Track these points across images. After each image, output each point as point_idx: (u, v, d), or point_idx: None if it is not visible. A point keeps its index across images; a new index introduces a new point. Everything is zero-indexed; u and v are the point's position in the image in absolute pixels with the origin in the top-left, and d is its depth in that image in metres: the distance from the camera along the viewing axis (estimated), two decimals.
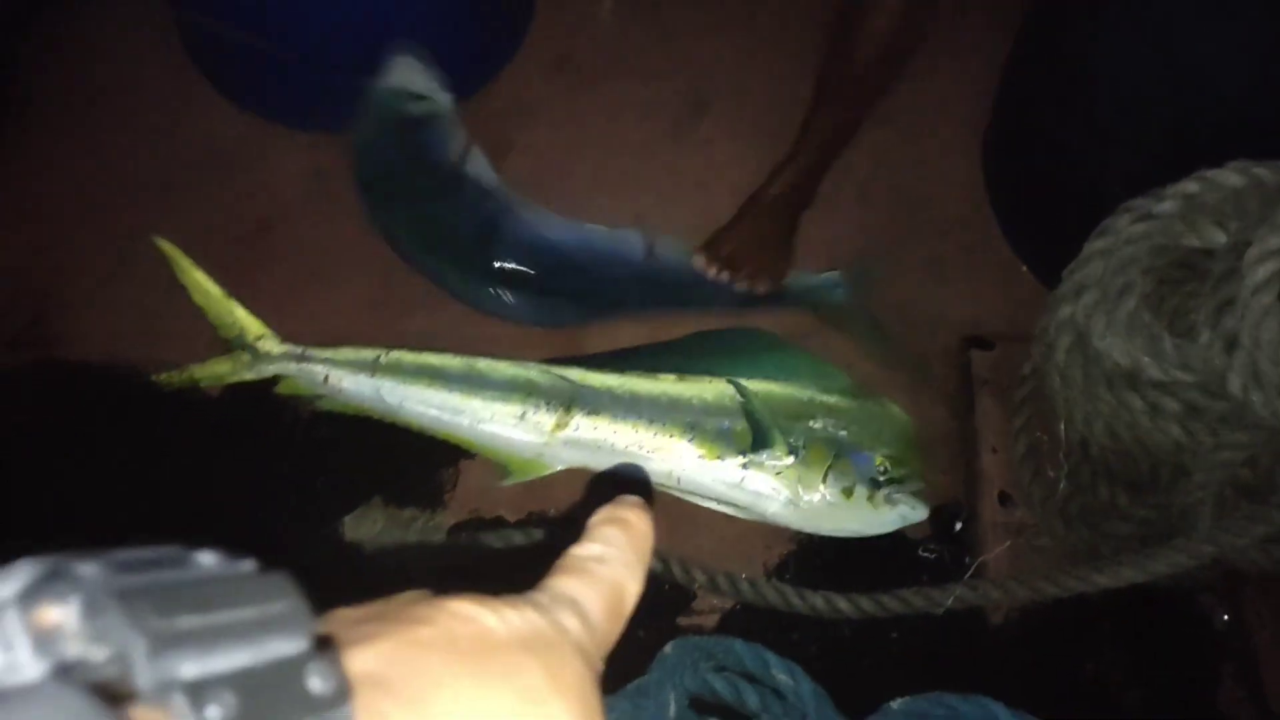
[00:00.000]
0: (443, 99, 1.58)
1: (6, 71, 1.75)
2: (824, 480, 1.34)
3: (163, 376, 1.43)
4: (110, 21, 1.81)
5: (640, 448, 1.38)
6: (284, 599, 0.31)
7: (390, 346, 1.43)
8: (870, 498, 1.34)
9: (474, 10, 1.68)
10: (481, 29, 1.72)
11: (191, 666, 0.28)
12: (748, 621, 1.33)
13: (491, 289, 1.55)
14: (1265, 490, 1.13)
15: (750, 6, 1.85)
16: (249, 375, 1.43)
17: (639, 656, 1.31)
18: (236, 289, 1.47)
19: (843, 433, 1.37)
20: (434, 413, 1.40)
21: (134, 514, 1.35)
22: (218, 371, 1.44)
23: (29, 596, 0.27)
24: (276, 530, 1.35)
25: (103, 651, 0.27)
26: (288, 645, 0.30)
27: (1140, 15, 1.26)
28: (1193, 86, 1.25)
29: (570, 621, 0.39)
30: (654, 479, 1.39)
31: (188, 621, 0.29)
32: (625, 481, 1.37)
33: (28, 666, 0.26)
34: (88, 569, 0.28)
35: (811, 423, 1.37)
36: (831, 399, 1.40)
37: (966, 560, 1.37)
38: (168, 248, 1.44)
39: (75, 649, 0.27)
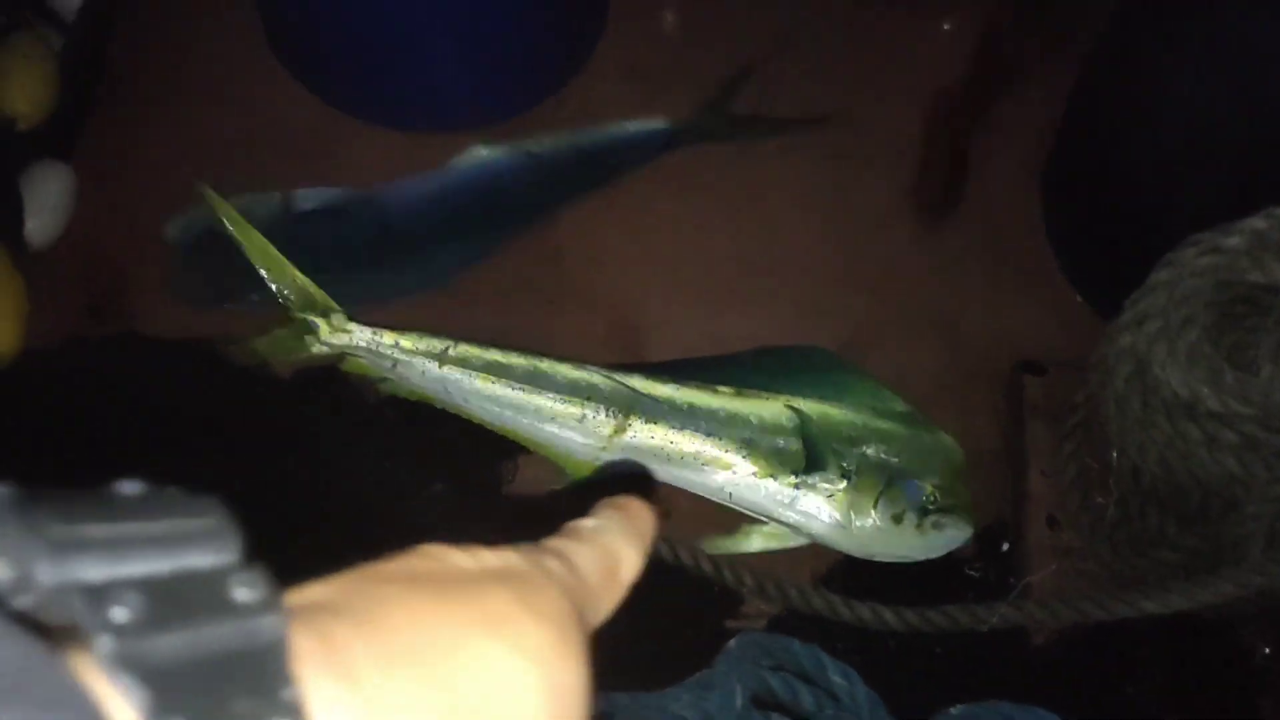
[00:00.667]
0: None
1: (102, 49, 1.81)
2: (875, 506, 1.36)
3: (231, 348, 1.46)
4: (198, 3, 1.87)
5: (695, 459, 1.41)
6: (208, 516, 0.29)
7: (458, 338, 1.45)
8: (919, 525, 1.36)
9: (549, 19, 1.72)
10: (555, 38, 1.76)
11: (96, 570, 0.26)
12: (794, 629, 1.35)
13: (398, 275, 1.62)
14: None
15: (816, 20, 1.88)
16: (316, 349, 1.44)
17: (689, 659, 1.35)
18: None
19: (895, 460, 1.40)
20: (496, 409, 1.43)
21: (200, 487, 1.39)
22: (285, 346, 1.44)
23: None
24: (341, 515, 1.38)
25: (6, 570, 0.26)
26: (210, 559, 0.28)
27: (1217, 47, 1.28)
28: (1267, 121, 1.27)
29: (554, 564, 0.37)
30: (707, 492, 1.42)
31: (94, 530, 0.27)
32: (628, 479, 1.39)
33: None
34: None
35: (866, 448, 1.40)
36: (886, 425, 1.42)
37: (1011, 580, 1.39)
38: (218, 201, 1.39)
39: None
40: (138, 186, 1.70)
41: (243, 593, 0.28)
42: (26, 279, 1.49)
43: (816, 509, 1.37)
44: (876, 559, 1.40)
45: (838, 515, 1.37)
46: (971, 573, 1.40)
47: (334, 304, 1.45)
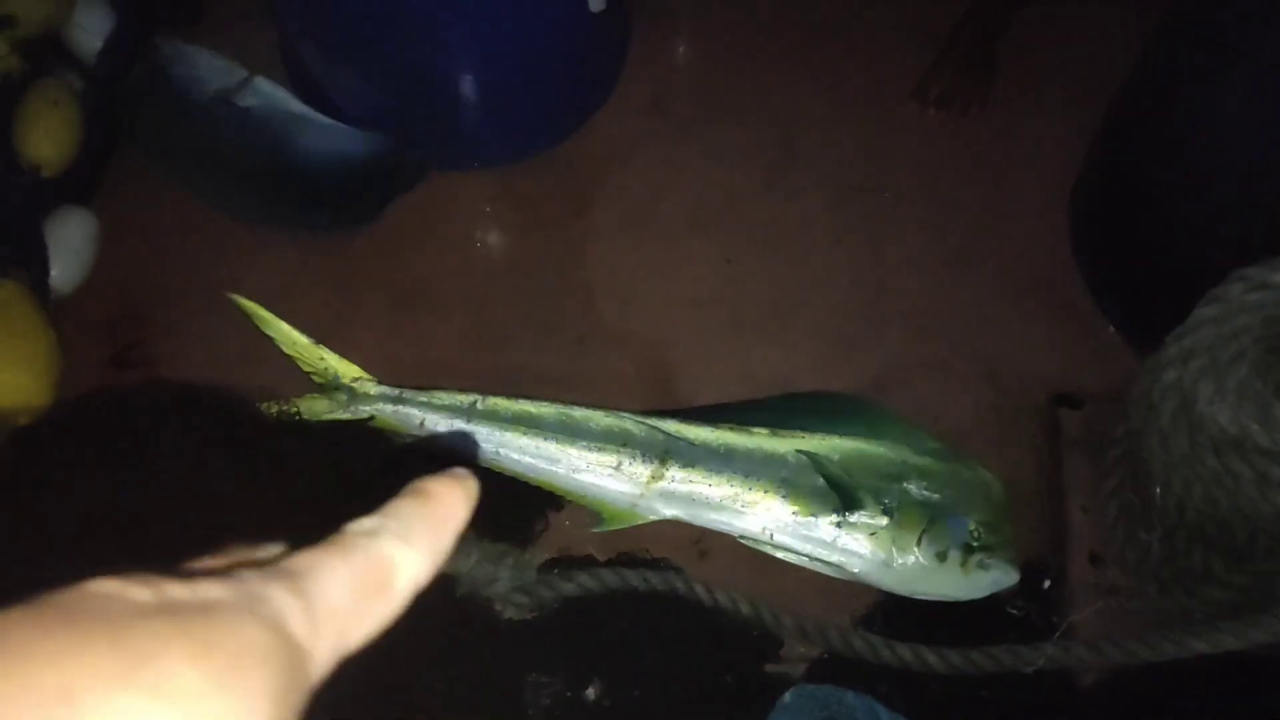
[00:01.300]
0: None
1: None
2: (918, 544, 1.34)
3: (264, 404, 1.46)
4: (223, 47, 1.86)
5: (735, 501, 1.39)
6: None
7: (486, 392, 1.44)
8: (963, 563, 1.34)
9: (571, 55, 1.72)
10: (578, 73, 1.76)
11: None
12: (835, 671, 1.34)
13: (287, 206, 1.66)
14: None
15: (840, 58, 1.88)
16: (345, 415, 1.46)
17: (729, 703, 1.33)
18: (333, 320, 1.50)
19: (936, 496, 1.37)
20: (529, 460, 1.42)
21: (236, 533, 1.38)
22: (315, 408, 1.47)
23: None
24: None
25: None
26: None
27: (1264, 68, 1.26)
28: None
29: (275, 592, 0.32)
30: (747, 535, 1.40)
31: None
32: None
33: None
34: None
35: (906, 484, 1.38)
36: (924, 461, 1.40)
37: (1054, 620, 1.36)
38: (246, 304, 1.47)
39: None
40: (160, 230, 1.70)
41: None
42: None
43: (859, 547, 1.36)
44: (919, 597, 1.37)
45: (881, 553, 1.35)
46: (1013, 611, 1.37)
47: (363, 372, 1.46)
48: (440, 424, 1.44)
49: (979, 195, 1.74)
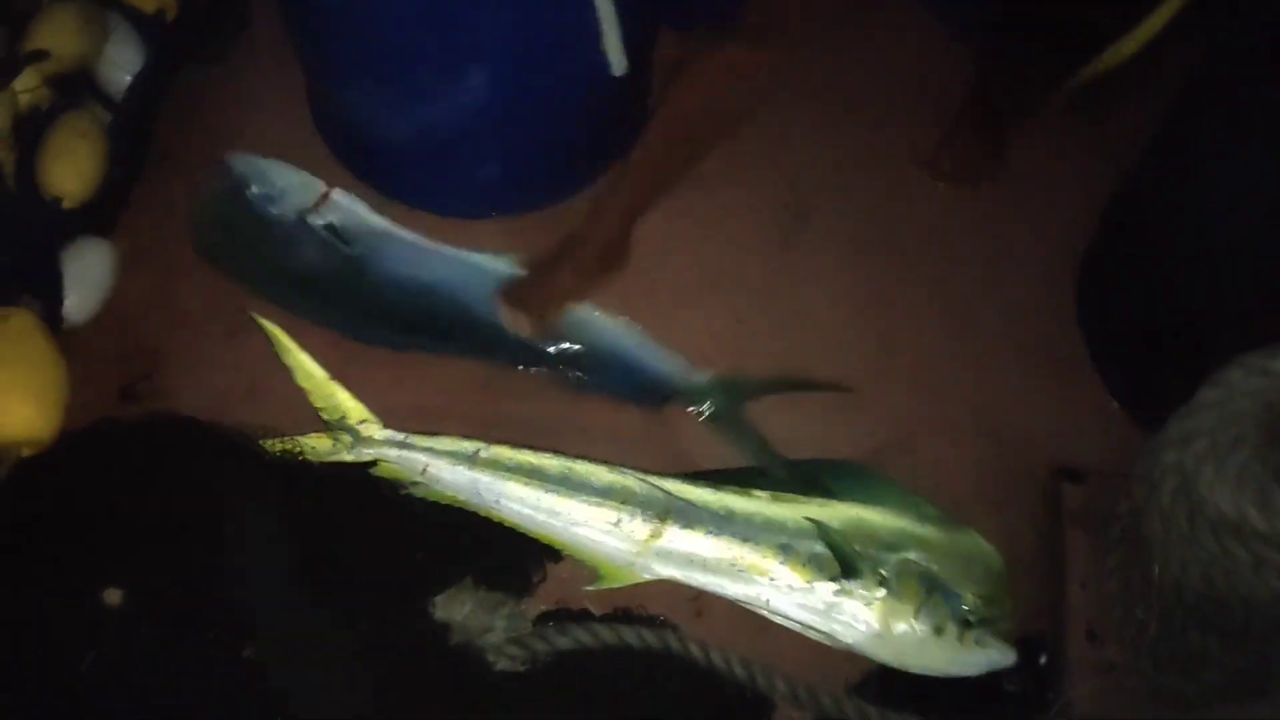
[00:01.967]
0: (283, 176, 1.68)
1: (147, 123, 1.83)
2: (915, 615, 1.33)
3: (267, 442, 1.47)
4: (250, 84, 1.91)
5: (732, 565, 1.39)
6: None
7: (489, 441, 1.45)
8: (960, 637, 1.33)
9: (591, 114, 1.73)
10: (597, 131, 1.77)
11: None
12: None
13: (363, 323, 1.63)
14: None
15: (853, 122, 1.90)
16: (348, 457, 1.47)
17: None
18: (343, 361, 1.52)
19: (935, 567, 1.37)
20: (529, 511, 1.42)
21: (231, 569, 1.39)
22: (319, 448, 1.47)
23: None
24: (369, 605, 1.37)
25: None
26: None
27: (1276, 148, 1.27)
28: None
29: None
30: (745, 599, 1.39)
31: None
32: None
33: None
34: None
35: (905, 554, 1.37)
36: (923, 531, 1.40)
37: (1050, 696, 1.35)
38: (270, 327, 1.48)
39: None
40: (179, 266, 1.71)
41: None
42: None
43: (854, 617, 1.35)
44: (913, 671, 1.36)
45: (876, 624, 1.34)
46: (1009, 687, 1.36)
47: (370, 414, 1.47)
48: (443, 470, 1.44)
49: (987, 259, 1.75)
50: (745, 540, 1.38)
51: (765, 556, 1.37)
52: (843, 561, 1.35)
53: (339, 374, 1.48)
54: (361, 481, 1.47)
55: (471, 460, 1.43)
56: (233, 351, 1.62)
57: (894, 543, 1.38)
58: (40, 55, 1.60)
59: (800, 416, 1.60)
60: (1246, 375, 1.14)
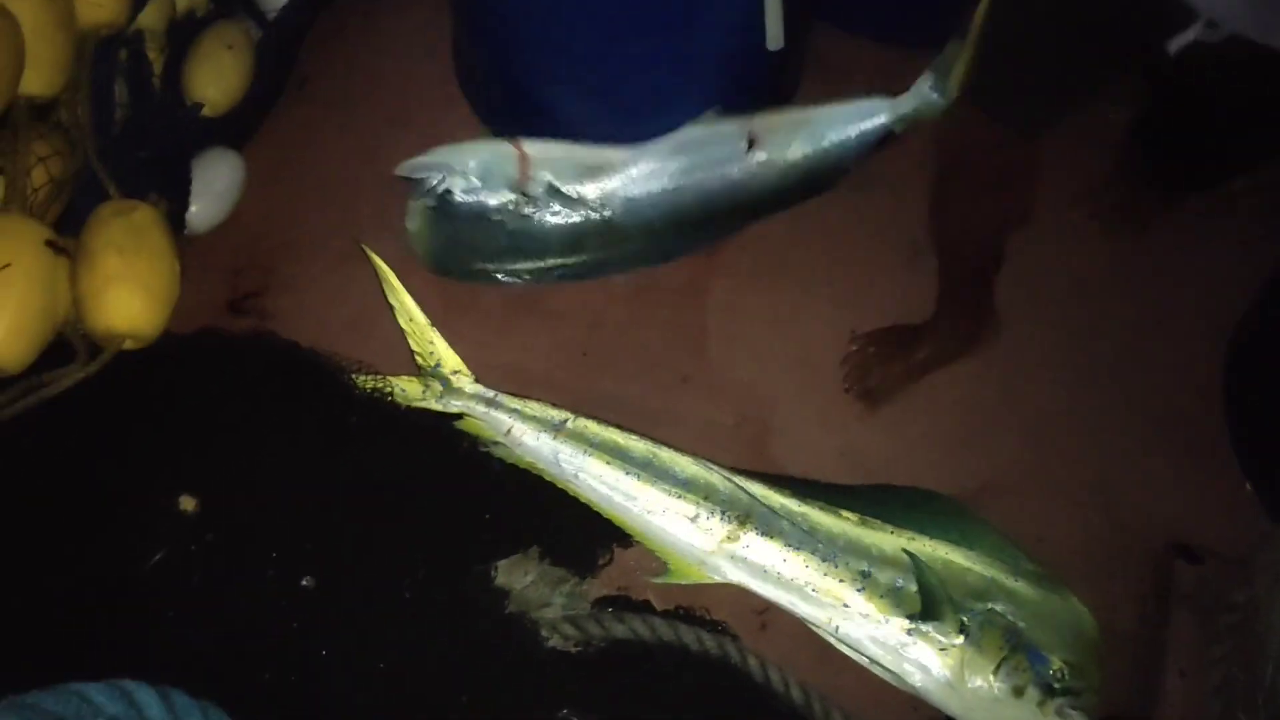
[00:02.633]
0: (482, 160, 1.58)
1: (293, 47, 1.84)
2: (995, 672, 1.23)
3: (360, 378, 1.46)
4: (395, 23, 1.90)
5: (807, 584, 1.31)
6: None
7: (578, 412, 1.41)
8: (1041, 704, 1.22)
9: (741, 83, 1.66)
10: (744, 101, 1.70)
11: None
12: None
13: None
14: None
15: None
16: (436, 405, 1.45)
17: None
18: (445, 309, 1.50)
19: (1022, 624, 1.26)
20: (606, 491, 1.38)
21: (304, 496, 1.38)
22: (409, 391, 1.45)
23: None
24: (431, 556, 1.35)
25: None
26: None
27: None
28: None
29: None
30: (812, 620, 1.32)
31: None
32: None
33: None
34: None
35: (992, 605, 1.27)
36: (1014, 583, 1.30)
37: None
38: (379, 263, 1.46)
39: None
40: (304, 189, 1.72)
41: None
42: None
43: (928, 662, 1.26)
44: None
45: (948, 672, 1.25)
46: None
47: (463, 366, 1.45)
48: (527, 435, 1.41)
49: (1131, 320, 1.64)
50: (824, 560, 1.31)
51: (842, 581, 1.30)
52: (927, 601, 1.26)
53: (442, 323, 1.46)
54: (444, 433, 1.45)
55: (557, 429, 1.40)
56: (341, 282, 1.62)
57: (982, 590, 1.29)
58: None
59: (904, 445, 1.53)
60: None
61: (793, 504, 1.35)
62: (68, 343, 1.39)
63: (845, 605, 1.29)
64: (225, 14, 1.70)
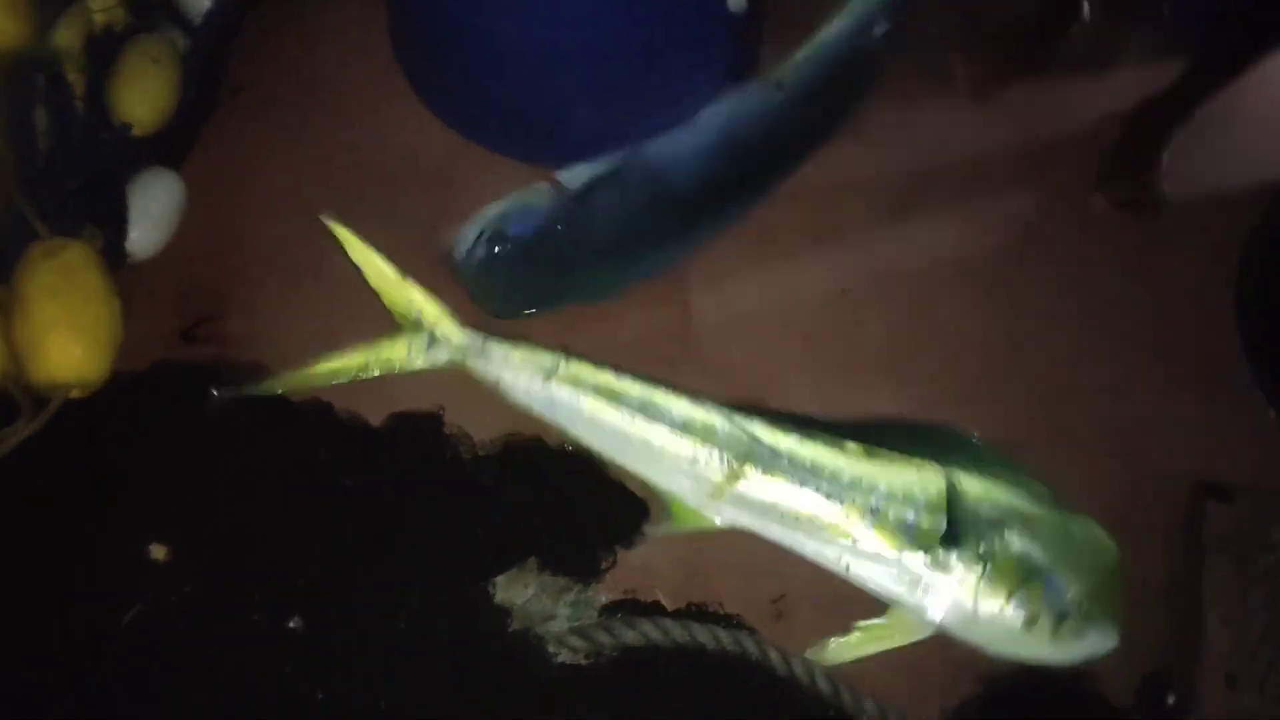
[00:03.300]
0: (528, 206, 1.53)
1: (224, 53, 1.74)
2: (1008, 600, 1.19)
3: (333, 359, 1.37)
4: (327, 17, 1.79)
5: (812, 523, 1.26)
6: None
7: (570, 354, 1.35)
8: (1054, 631, 1.19)
9: (695, 48, 1.60)
10: (703, 68, 1.63)
11: None
12: None
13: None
14: None
15: None
16: (421, 362, 1.38)
17: None
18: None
19: (1039, 551, 1.21)
20: (603, 435, 1.33)
21: (282, 532, 1.31)
22: (391, 356, 1.38)
23: None
24: (423, 580, 1.28)
25: None
26: None
27: None
28: None
29: None
30: (821, 559, 1.27)
31: None
32: None
33: None
34: None
35: (1007, 532, 1.22)
36: (1031, 509, 1.24)
37: None
38: (339, 229, 1.38)
39: None
40: (249, 202, 1.62)
41: None
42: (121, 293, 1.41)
43: (942, 593, 1.22)
44: (1002, 658, 1.23)
45: (964, 602, 1.21)
46: None
47: (446, 313, 1.38)
48: (519, 381, 1.35)
49: (1135, 249, 1.57)
50: (830, 496, 1.25)
51: (850, 517, 1.24)
52: (954, 529, 1.21)
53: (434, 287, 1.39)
54: (425, 447, 1.37)
55: (550, 373, 1.33)
56: (302, 296, 1.53)
57: (996, 518, 1.23)
58: None
59: (913, 403, 1.45)
60: None
61: (794, 441, 1.28)
62: (10, 399, 1.31)
63: (855, 542, 1.24)
64: (147, 27, 1.60)
